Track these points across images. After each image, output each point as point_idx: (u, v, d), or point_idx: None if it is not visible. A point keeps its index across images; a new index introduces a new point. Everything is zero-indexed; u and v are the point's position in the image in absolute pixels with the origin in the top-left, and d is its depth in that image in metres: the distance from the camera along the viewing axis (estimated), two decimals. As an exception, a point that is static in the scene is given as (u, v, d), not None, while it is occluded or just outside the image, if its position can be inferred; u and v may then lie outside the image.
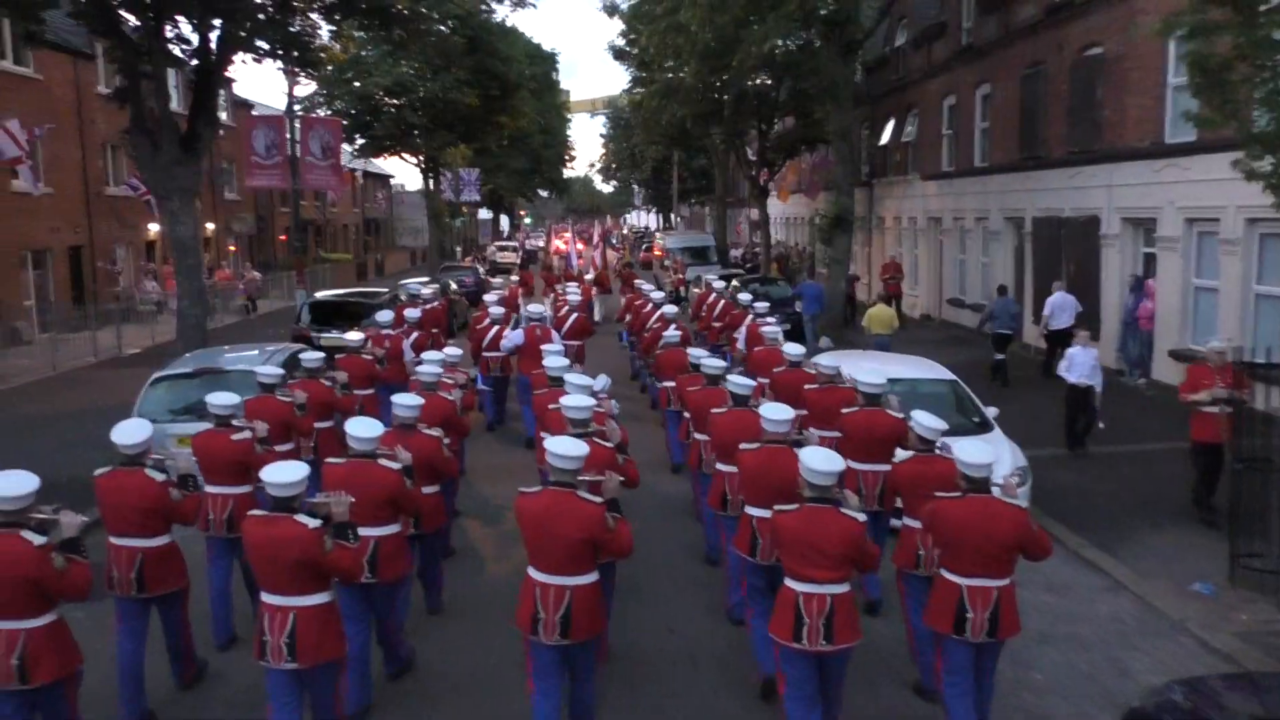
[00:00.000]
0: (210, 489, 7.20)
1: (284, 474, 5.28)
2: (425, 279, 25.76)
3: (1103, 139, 17.41)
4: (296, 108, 33.37)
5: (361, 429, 6.28)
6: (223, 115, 37.53)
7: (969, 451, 5.59)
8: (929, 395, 11.09)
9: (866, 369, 8.45)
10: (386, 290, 20.12)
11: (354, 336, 11.94)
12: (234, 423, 7.38)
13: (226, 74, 15.92)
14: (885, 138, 29.43)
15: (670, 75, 28.11)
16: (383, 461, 6.24)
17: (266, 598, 5.27)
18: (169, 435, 10.47)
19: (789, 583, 5.40)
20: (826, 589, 5.27)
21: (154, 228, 30.51)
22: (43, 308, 24.28)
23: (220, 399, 7.40)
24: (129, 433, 6.28)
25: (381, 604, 6.43)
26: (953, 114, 25.13)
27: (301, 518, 5.16)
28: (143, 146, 14.84)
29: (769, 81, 27.72)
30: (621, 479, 5.87)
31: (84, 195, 26.66)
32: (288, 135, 21.88)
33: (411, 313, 14.06)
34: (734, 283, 23.55)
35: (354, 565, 5.45)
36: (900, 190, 29.08)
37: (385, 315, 13.73)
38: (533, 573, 5.42)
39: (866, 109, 29.79)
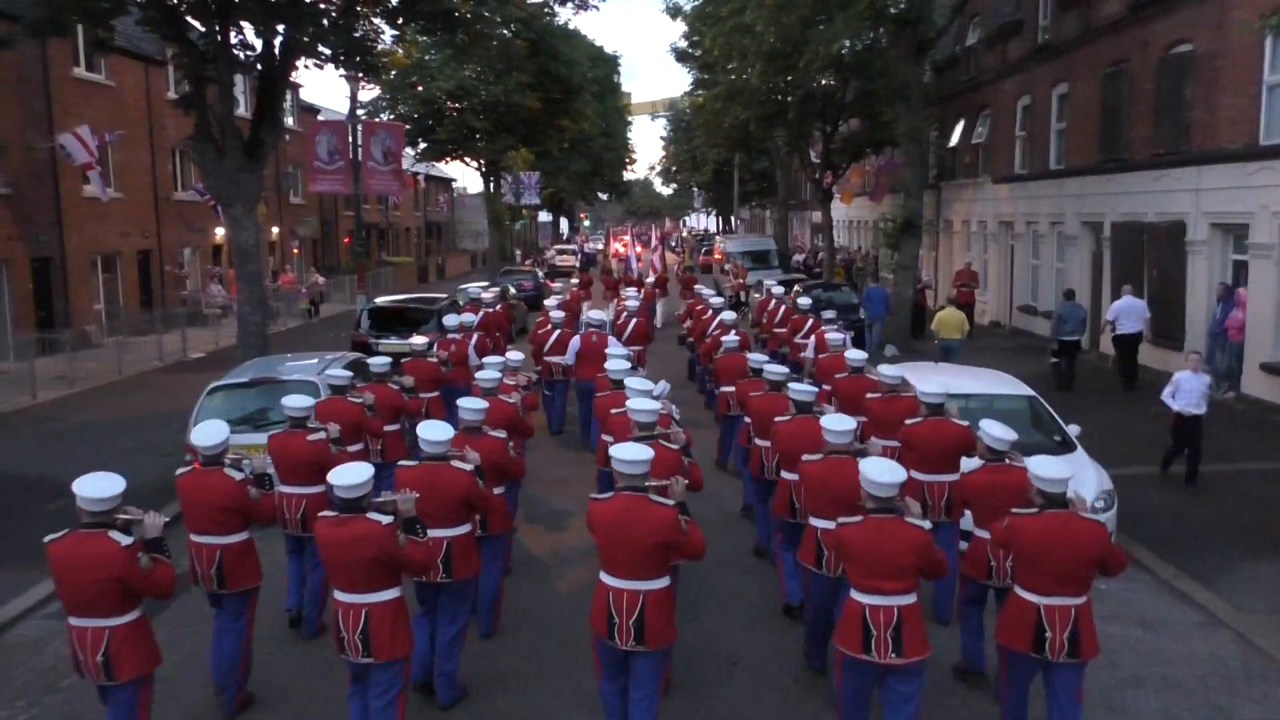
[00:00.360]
0: (285, 489, 7.37)
1: (350, 476, 5.34)
2: (484, 283, 25.69)
3: (1190, 140, 16.58)
4: (360, 112, 33.72)
5: (433, 432, 6.36)
6: (289, 120, 38.04)
7: (1044, 466, 5.44)
8: (1005, 413, 10.49)
9: (932, 382, 7.94)
10: (445, 295, 20.01)
11: (419, 340, 11.65)
12: (309, 424, 7.55)
13: (291, 79, 15.89)
14: (955, 139, 28.65)
15: (734, 77, 27.65)
16: (455, 463, 6.33)
17: (340, 595, 5.38)
18: (226, 446, 10.39)
19: (855, 595, 5.34)
20: (893, 600, 5.21)
21: (220, 232, 30.91)
22: (112, 311, 24.68)
23: (295, 400, 7.61)
24: (209, 434, 6.42)
25: (452, 603, 6.48)
26: (1027, 115, 24.30)
27: (373, 515, 5.29)
28: (207, 153, 14.86)
29: (834, 83, 27.02)
30: (687, 482, 5.82)
31: (153, 200, 27.09)
32: (350, 140, 21.87)
33: (469, 317, 14.19)
34: (795, 288, 23.08)
35: (427, 559, 5.63)
36: (970, 193, 28.27)
37: (452, 319, 13.79)
38: (605, 578, 5.42)
39: (935, 110, 29.02)
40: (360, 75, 19.80)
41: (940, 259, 30.61)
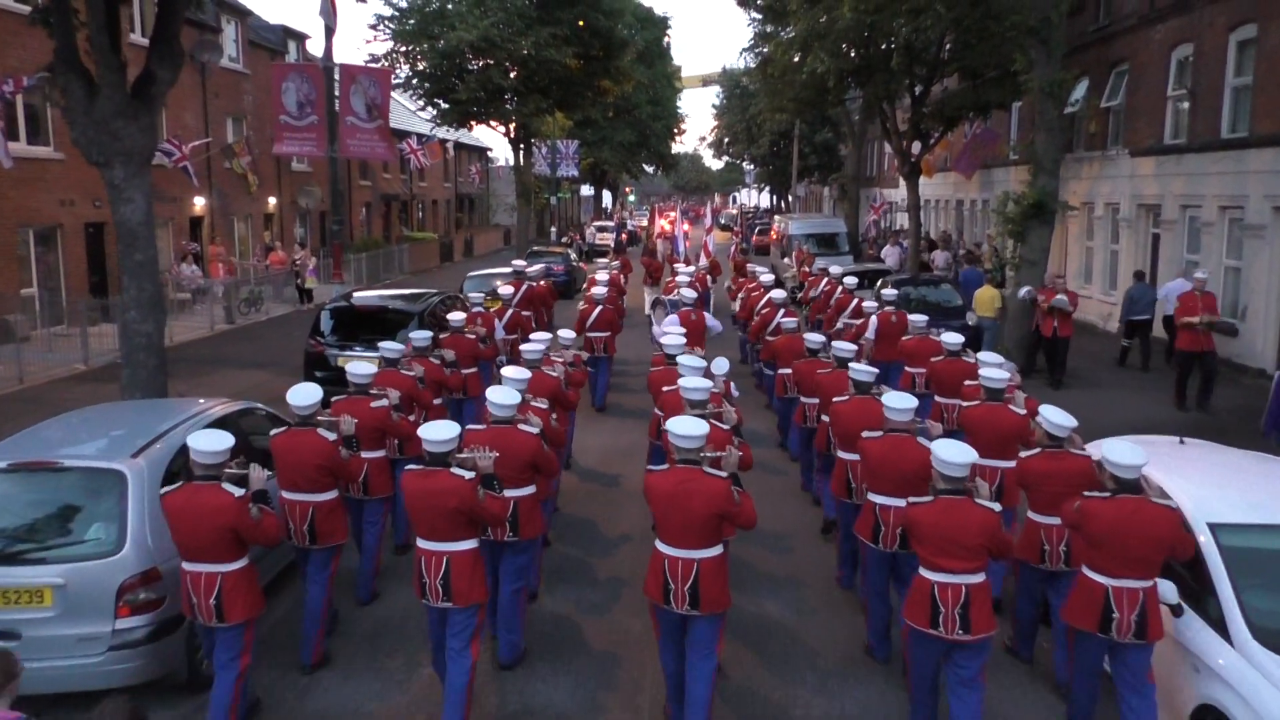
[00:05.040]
0: None
1: (440, 432, 5.69)
2: (504, 269, 21.24)
3: None
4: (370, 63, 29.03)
5: (502, 396, 6.59)
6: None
7: (1118, 451, 5.40)
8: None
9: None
10: (436, 291, 15.36)
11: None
12: (371, 391, 7.75)
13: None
14: (1074, 103, 23.36)
15: (810, 23, 22.33)
16: (522, 426, 6.58)
17: (422, 544, 5.71)
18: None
19: (924, 572, 5.43)
20: (962, 579, 5.30)
21: (200, 201, 26.59)
22: (53, 298, 20.48)
23: (360, 368, 7.78)
24: (304, 395, 6.62)
25: (516, 561, 6.67)
26: (1186, 69, 19.06)
27: (456, 470, 5.62)
28: (72, 90, 10.40)
29: (938, 28, 21.47)
30: (741, 454, 5.93)
31: (109, 163, 22.59)
32: (326, 90, 17.18)
33: (505, 290, 14.55)
34: (880, 283, 18.30)
35: (502, 513, 5.98)
36: (1095, 169, 23.04)
37: (476, 296, 13.91)
38: (661, 546, 5.60)
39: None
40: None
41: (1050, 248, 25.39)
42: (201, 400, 8.24)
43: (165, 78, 10.87)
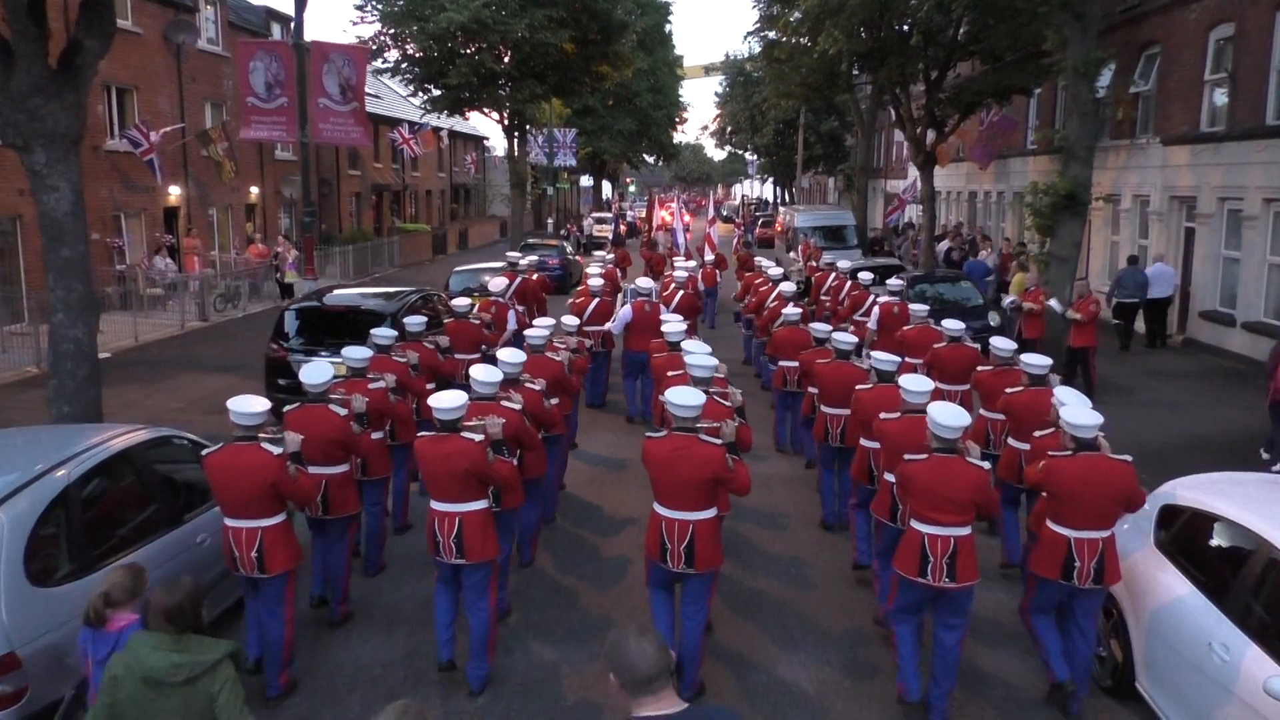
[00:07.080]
0: None
1: (449, 400, 6.07)
2: (494, 263, 19.98)
3: None
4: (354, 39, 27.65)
5: (484, 374, 6.85)
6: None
7: (1076, 414, 5.81)
8: None
9: None
10: (414, 289, 14.05)
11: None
12: (369, 375, 8.02)
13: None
14: (1100, 88, 21.97)
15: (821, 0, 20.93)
16: (504, 403, 6.82)
17: (436, 505, 6.07)
18: None
19: (915, 525, 5.74)
20: (951, 531, 5.62)
21: (175, 191, 25.22)
22: (11, 293, 19.18)
23: (355, 352, 8.07)
24: (316, 373, 6.96)
25: (506, 529, 6.83)
26: (1225, 51, 17.71)
27: (467, 435, 6.00)
28: (-16, 63, 9.08)
29: (954, 11, 20.12)
30: (738, 423, 6.24)
31: (74, 150, 21.20)
32: (297, 67, 15.81)
33: (499, 283, 14.09)
34: (893, 280, 16.96)
35: (510, 475, 6.34)
36: (1121, 158, 21.66)
37: (499, 284, 13.76)
38: (659, 508, 5.92)
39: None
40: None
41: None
42: (110, 428, 6.89)
43: (94, 48, 9.52)
